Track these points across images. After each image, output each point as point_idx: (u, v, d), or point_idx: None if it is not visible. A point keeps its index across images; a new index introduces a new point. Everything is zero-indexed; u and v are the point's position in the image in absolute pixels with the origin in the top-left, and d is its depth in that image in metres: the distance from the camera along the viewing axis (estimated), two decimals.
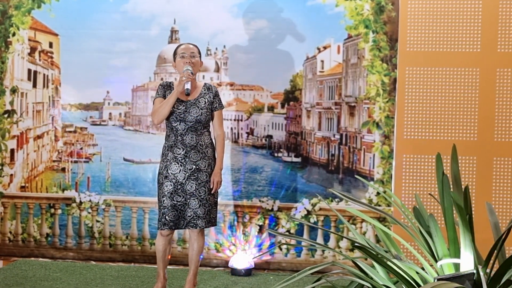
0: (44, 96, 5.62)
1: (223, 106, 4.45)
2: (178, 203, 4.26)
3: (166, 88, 4.37)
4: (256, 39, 5.34)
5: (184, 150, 4.27)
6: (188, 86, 4.20)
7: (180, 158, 4.27)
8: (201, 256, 4.57)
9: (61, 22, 5.52)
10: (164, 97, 4.33)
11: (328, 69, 5.33)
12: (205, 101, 4.34)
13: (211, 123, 4.43)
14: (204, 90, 4.39)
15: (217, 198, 4.41)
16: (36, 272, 5.07)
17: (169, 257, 4.55)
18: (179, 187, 4.26)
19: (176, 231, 4.75)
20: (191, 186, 4.26)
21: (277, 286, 2.67)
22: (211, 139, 4.41)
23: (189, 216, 4.26)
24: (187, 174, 4.26)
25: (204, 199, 4.28)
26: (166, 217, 4.25)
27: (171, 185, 4.26)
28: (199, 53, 4.40)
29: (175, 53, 4.40)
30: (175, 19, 5.44)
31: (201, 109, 4.31)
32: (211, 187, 4.31)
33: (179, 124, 4.28)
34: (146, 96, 5.62)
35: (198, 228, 4.30)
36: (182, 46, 4.40)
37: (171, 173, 4.27)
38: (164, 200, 4.26)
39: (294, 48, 5.30)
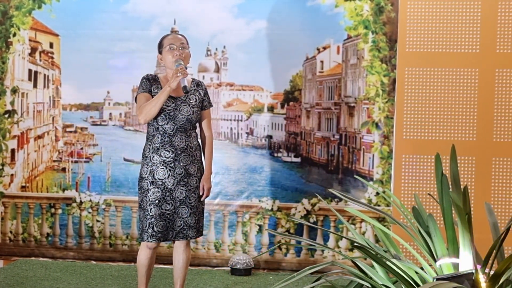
0: (44, 96, 5.63)
1: (212, 104, 4.12)
2: (167, 211, 3.86)
3: (152, 82, 3.93)
4: (256, 40, 5.35)
5: (174, 153, 3.87)
6: (186, 83, 3.77)
7: (169, 162, 3.87)
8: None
9: (61, 22, 5.52)
10: (150, 92, 3.91)
11: (328, 69, 5.34)
12: (195, 99, 3.98)
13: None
14: (194, 86, 4.02)
15: (204, 205, 4.04)
16: (37, 272, 5.08)
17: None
18: (167, 194, 3.86)
19: None
20: (180, 193, 3.88)
21: (276, 285, 2.69)
22: (198, 141, 4.04)
23: (178, 226, 3.88)
24: (176, 179, 3.87)
25: (195, 207, 3.91)
26: (154, 227, 3.83)
27: (158, 192, 3.86)
28: (188, 43, 4.01)
29: (160, 45, 3.99)
30: (175, 19, 5.44)
31: (192, 107, 3.94)
32: (201, 193, 3.96)
33: (167, 123, 3.87)
34: None
35: (188, 239, 3.94)
36: (170, 36, 4.00)
37: (158, 179, 3.87)
38: (151, 209, 3.84)
39: (293, 49, 5.31)
